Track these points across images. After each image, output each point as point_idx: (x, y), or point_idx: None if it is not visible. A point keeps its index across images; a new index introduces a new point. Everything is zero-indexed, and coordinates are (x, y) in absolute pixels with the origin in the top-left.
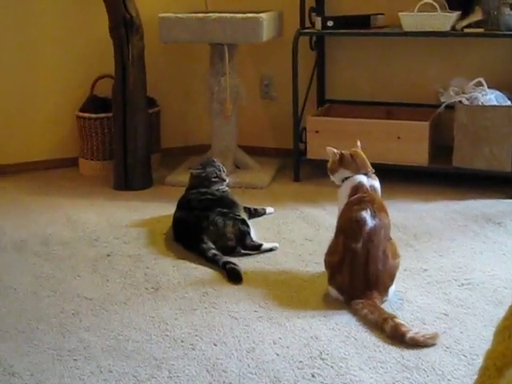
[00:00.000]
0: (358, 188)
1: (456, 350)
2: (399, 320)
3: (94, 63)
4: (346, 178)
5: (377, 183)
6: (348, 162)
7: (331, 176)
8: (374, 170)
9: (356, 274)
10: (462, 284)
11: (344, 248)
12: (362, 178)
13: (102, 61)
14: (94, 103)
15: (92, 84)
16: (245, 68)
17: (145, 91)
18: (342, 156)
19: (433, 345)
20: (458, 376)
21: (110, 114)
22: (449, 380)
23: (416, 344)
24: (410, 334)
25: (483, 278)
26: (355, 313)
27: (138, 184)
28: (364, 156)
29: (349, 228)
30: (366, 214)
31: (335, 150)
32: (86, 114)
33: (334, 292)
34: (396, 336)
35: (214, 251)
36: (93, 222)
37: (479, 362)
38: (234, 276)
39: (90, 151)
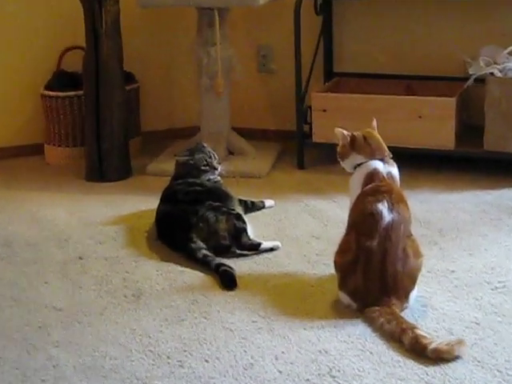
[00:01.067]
0: (373, 176)
1: (489, 364)
2: (420, 331)
3: (61, 32)
4: (359, 165)
5: (395, 170)
6: (361, 146)
7: (341, 162)
8: (391, 155)
9: (371, 277)
10: (496, 287)
11: (357, 246)
12: (378, 165)
13: (71, 30)
14: (61, 79)
15: (59, 57)
16: (239, 37)
17: (121, 65)
18: (353, 138)
19: (459, 355)
20: None
21: (80, 92)
22: None
23: (439, 356)
24: (432, 346)
25: None
26: (370, 322)
27: (115, 174)
28: (380, 138)
29: (362, 223)
30: (383, 207)
31: (345, 132)
32: (53, 93)
33: (345, 298)
34: (416, 349)
35: (204, 251)
36: (62, 219)
37: None
38: (226, 280)
39: (58, 136)
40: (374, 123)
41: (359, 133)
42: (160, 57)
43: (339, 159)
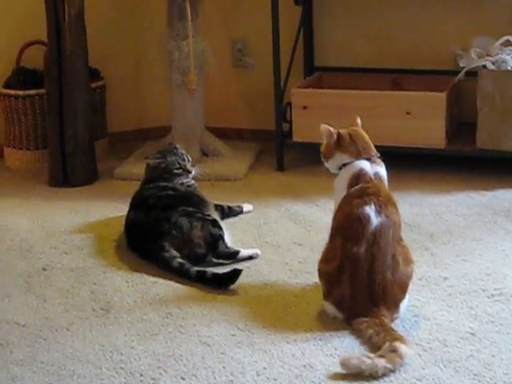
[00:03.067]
0: (360, 177)
1: (486, 377)
2: (404, 343)
3: (21, 26)
4: (345, 165)
5: (383, 170)
6: (346, 145)
7: (325, 162)
8: (378, 154)
9: (358, 286)
10: (492, 295)
11: (343, 253)
12: (365, 165)
13: (31, 23)
14: (21, 76)
15: (18, 52)
16: (212, 29)
17: (86, 60)
18: (339, 137)
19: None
20: None
21: (42, 90)
22: None
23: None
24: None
25: None
26: (358, 334)
27: (80, 178)
28: (366, 136)
29: (348, 227)
30: (370, 210)
31: (331, 129)
32: (12, 91)
33: (331, 309)
34: None
35: (180, 260)
36: (24, 227)
37: None
38: (226, 278)
39: (18, 138)
40: (358, 121)
41: (345, 131)
42: (127, 51)
43: (323, 159)
